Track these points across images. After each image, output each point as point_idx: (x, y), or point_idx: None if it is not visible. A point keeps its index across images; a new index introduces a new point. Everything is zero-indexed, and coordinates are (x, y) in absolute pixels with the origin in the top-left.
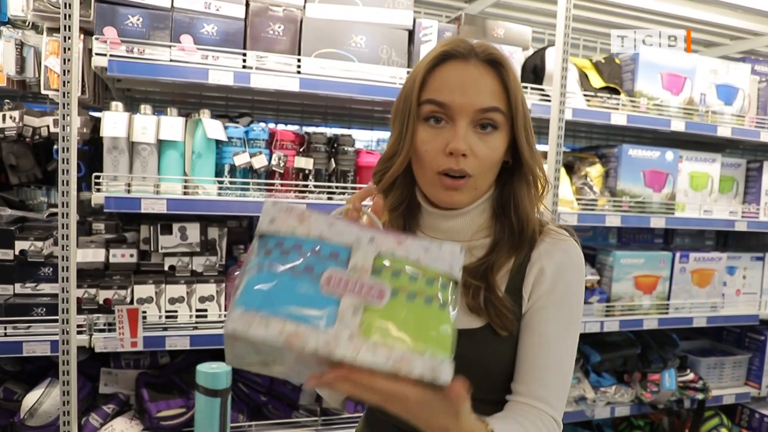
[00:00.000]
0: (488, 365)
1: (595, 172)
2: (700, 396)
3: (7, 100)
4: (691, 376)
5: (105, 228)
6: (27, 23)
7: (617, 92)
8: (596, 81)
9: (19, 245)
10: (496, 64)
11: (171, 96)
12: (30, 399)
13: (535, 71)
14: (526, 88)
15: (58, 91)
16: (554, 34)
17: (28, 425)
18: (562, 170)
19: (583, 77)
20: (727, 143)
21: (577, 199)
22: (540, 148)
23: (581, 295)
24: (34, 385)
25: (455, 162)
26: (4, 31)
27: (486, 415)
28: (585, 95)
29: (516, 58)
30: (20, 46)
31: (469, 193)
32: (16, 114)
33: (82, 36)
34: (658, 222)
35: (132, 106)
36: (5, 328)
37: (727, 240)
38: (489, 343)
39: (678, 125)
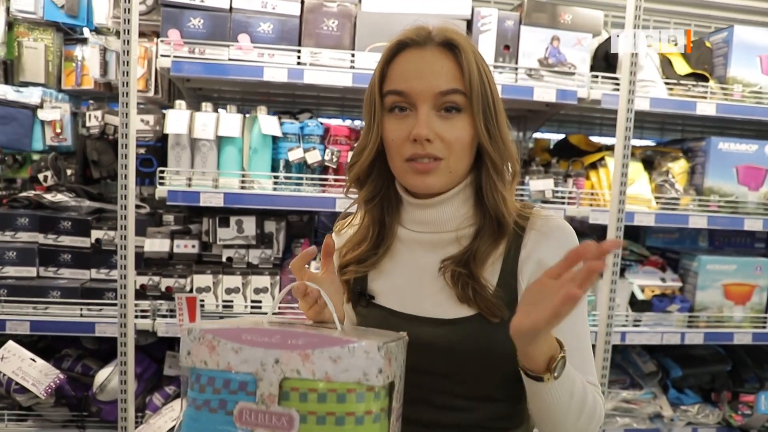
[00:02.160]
0: (486, 353)
1: (678, 168)
2: None
3: (92, 101)
4: None
5: (174, 220)
6: (110, 29)
7: (706, 79)
8: (681, 67)
9: (95, 234)
10: (452, 46)
11: (241, 94)
12: (101, 376)
13: (606, 58)
14: (596, 77)
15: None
16: None
17: (99, 399)
18: (640, 166)
19: (666, 63)
20: None
21: (656, 198)
22: (611, 141)
23: None
24: (108, 362)
25: (421, 147)
26: (90, 38)
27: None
28: (667, 83)
29: (585, 45)
30: (104, 51)
31: (442, 176)
32: (98, 113)
33: (155, 39)
34: (754, 224)
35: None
36: (81, 310)
37: None
38: (483, 330)
39: None
